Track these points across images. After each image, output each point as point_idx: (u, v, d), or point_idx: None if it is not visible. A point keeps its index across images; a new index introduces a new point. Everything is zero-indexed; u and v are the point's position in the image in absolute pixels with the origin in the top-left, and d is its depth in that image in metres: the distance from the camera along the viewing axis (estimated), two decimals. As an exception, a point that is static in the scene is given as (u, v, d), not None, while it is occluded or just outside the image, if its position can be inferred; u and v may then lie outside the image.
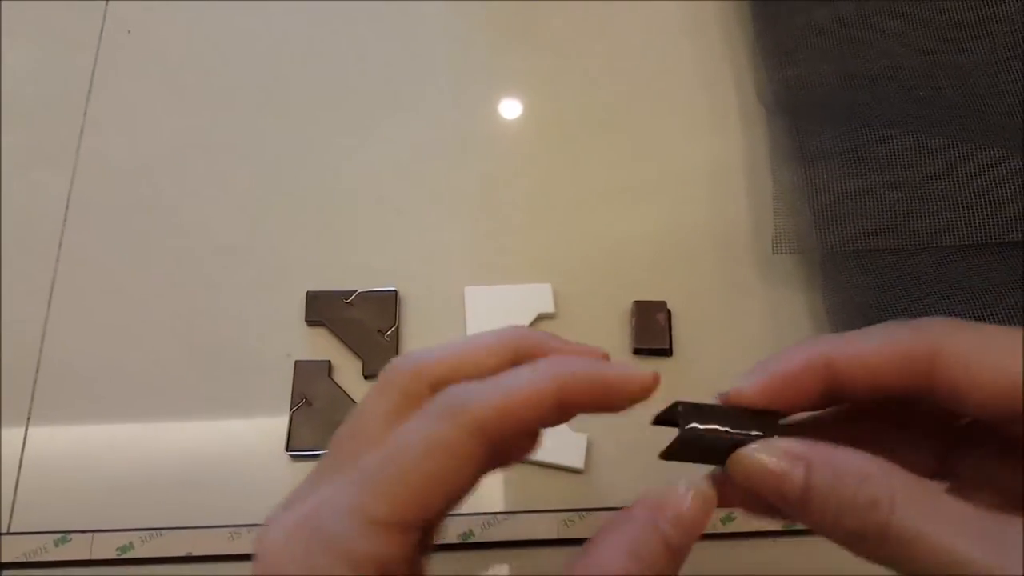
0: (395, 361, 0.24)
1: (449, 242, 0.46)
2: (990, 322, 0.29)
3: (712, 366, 0.44)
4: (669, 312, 0.45)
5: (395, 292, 0.44)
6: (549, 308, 0.45)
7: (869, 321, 0.40)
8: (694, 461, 0.24)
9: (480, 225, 0.47)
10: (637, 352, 0.45)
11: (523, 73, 0.51)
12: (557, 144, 0.49)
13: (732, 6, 0.53)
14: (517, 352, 0.25)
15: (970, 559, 0.18)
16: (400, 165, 0.48)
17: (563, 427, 0.42)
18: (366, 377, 0.43)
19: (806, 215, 0.44)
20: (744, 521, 0.40)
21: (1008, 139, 0.43)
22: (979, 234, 0.42)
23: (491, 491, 0.40)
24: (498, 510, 0.40)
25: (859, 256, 0.43)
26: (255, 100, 0.49)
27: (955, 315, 0.25)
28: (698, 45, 0.52)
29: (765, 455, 0.22)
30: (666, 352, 0.45)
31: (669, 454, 0.24)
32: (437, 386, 0.23)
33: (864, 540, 0.20)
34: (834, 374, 0.23)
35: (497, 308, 0.45)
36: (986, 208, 0.42)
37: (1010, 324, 0.39)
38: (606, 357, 0.26)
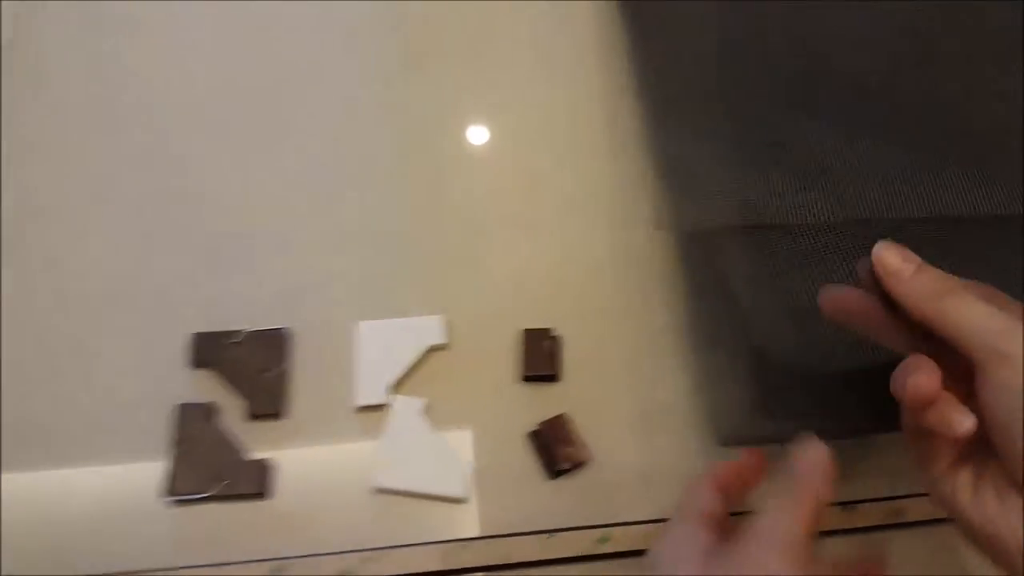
0: None
1: (341, 276, 0.47)
2: None
3: (596, 388, 0.45)
4: (555, 339, 0.46)
5: (283, 330, 0.45)
6: (441, 339, 0.45)
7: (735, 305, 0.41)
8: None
9: (373, 258, 0.47)
10: (526, 379, 0.45)
11: (412, 105, 0.51)
12: (448, 175, 0.50)
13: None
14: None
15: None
16: (289, 198, 0.48)
17: (447, 455, 0.42)
18: (252, 418, 0.43)
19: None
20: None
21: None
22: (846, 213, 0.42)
23: (369, 525, 0.41)
24: (378, 545, 0.40)
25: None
26: (138, 131, 0.50)
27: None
28: (574, 75, 0.52)
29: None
30: (553, 378, 0.45)
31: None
32: None
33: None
34: None
35: (390, 342, 0.45)
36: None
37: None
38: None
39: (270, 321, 0.45)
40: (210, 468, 0.41)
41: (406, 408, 0.43)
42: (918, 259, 0.32)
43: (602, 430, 0.44)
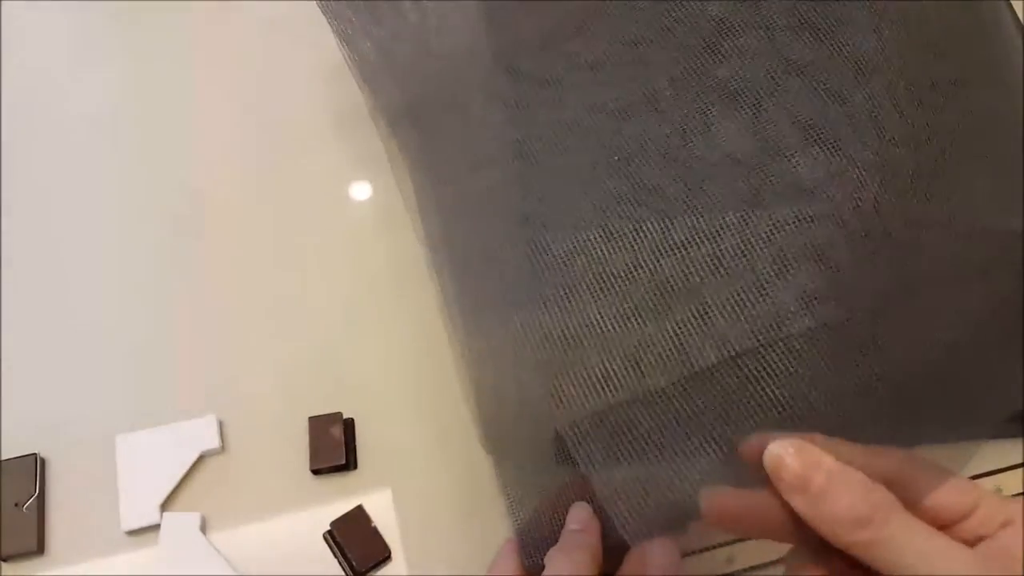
0: None
1: (95, 389, 0.42)
2: None
3: (398, 471, 0.41)
4: (347, 423, 0.42)
5: (35, 456, 0.40)
6: (214, 443, 0.41)
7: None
8: None
9: (126, 364, 0.43)
10: (316, 472, 0.41)
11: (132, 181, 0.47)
12: (198, 258, 0.45)
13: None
14: None
15: None
16: (26, 315, 0.44)
17: (228, 573, 0.38)
18: (5, 560, 0.38)
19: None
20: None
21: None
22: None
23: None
24: None
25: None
26: None
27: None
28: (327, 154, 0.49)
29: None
30: (346, 467, 0.41)
31: None
32: None
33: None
34: None
35: (155, 453, 0.41)
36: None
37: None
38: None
39: (17, 449, 0.40)
40: (-55, 635, 0.36)
41: (178, 525, 0.39)
42: (829, 461, 0.25)
43: (410, 516, 0.40)
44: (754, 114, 0.34)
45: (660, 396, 0.30)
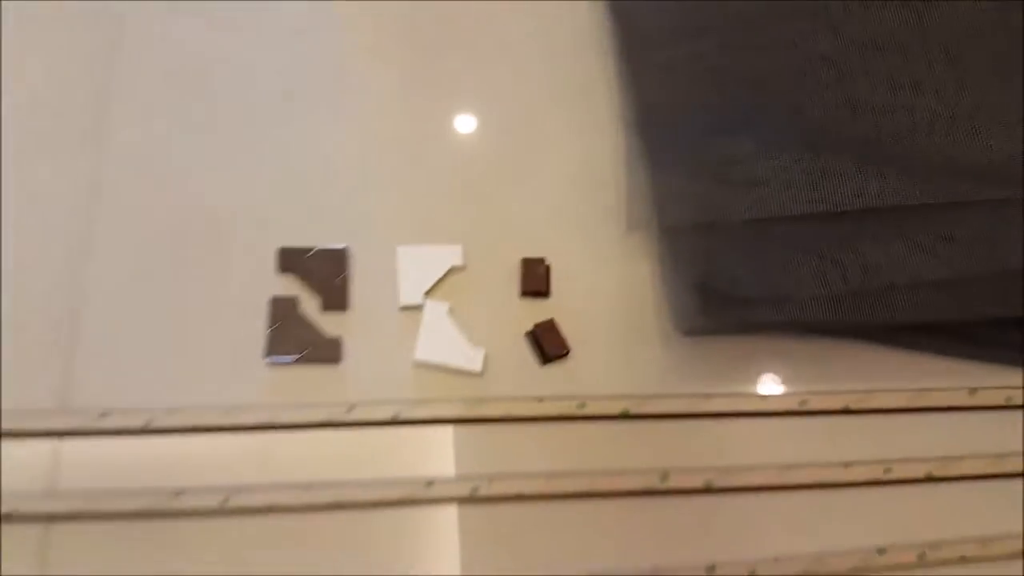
0: None
1: (386, 209, 0.62)
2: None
3: (581, 307, 0.60)
4: (548, 267, 0.62)
5: (345, 249, 0.60)
6: (460, 262, 0.61)
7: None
8: None
9: (410, 199, 0.63)
10: (524, 294, 0.61)
11: (452, 79, 0.67)
12: (472, 145, 0.66)
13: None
14: None
15: None
16: (350, 155, 0.64)
17: (465, 342, 0.58)
18: (324, 310, 0.58)
19: (652, 200, 0.61)
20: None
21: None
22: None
23: (411, 386, 0.56)
24: (418, 398, 0.56)
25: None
26: (256, 94, 0.65)
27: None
28: (577, 60, 0.69)
29: None
30: (545, 294, 0.61)
31: None
32: None
33: None
34: None
35: (422, 261, 0.60)
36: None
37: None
38: None
39: (334, 242, 0.60)
40: (296, 340, 0.56)
41: (435, 309, 0.59)
42: None
43: (581, 332, 0.60)
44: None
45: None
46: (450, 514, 0.54)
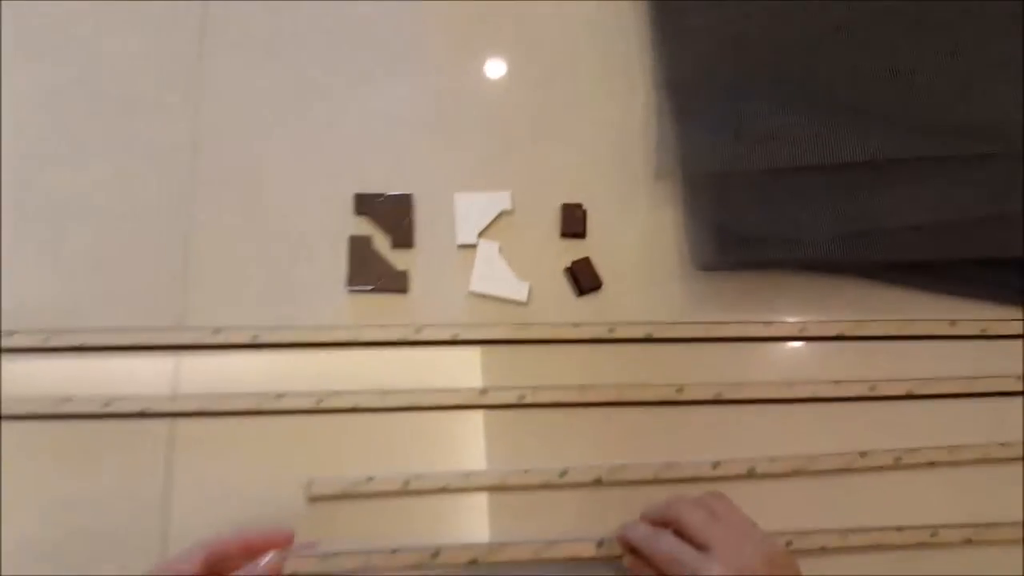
0: None
1: (445, 160, 0.72)
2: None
3: (612, 247, 0.70)
4: (585, 211, 0.71)
5: (410, 195, 0.70)
6: (509, 207, 0.70)
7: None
8: None
9: (467, 152, 0.72)
10: (563, 235, 0.71)
11: (499, 35, 0.76)
12: (519, 103, 0.74)
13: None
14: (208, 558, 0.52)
15: None
16: (413, 115, 0.73)
17: (513, 276, 0.68)
18: (394, 247, 0.68)
19: (677, 152, 0.70)
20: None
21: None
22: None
23: (468, 311, 0.67)
24: (474, 322, 0.66)
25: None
26: (334, 61, 0.74)
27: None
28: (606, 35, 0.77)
29: None
30: (582, 235, 0.71)
31: None
32: None
33: None
34: None
35: (476, 206, 0.70)
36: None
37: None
38: (288, 541, 0.56)
39: (401, 189, 0.70)
40: (372, 272, 0.67)
41: (488, 247, 0.69)
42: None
43: (612, 268, 0.69)
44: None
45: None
46: (502, 417, 0.65)
